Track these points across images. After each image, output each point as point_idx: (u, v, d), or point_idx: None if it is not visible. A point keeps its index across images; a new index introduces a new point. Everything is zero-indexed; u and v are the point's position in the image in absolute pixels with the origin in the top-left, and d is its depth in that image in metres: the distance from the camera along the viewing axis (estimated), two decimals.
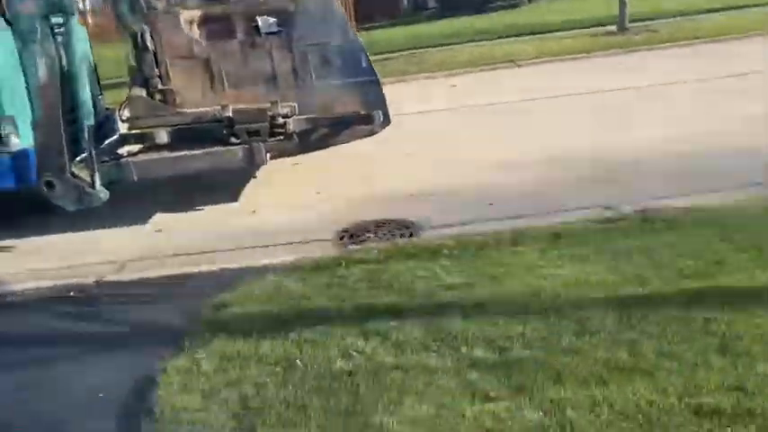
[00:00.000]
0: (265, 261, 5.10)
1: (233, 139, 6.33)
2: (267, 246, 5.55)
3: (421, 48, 16.17)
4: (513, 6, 23.97)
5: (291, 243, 5.54)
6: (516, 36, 16.23)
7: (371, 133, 6.72)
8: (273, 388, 3.36)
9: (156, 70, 6.68)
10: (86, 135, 5.84)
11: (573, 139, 7.62)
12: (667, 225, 4.80)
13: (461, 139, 8.29)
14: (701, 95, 9.02)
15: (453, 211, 5.84)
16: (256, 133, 6.32)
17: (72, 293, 5.03)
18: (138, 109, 6.68)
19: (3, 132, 5.88)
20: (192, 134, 6.52)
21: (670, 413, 2.81)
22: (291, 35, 6.76)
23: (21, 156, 5.96)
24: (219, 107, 6.43)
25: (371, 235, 5.61)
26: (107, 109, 7.40)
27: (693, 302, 3.64)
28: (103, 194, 5.95)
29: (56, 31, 5.86)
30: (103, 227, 6.31)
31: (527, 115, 9.14)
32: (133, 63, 6.72)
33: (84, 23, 6.70)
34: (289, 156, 6.96)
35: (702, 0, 16.90)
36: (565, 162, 6.79)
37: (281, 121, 6.37)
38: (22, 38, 5.70)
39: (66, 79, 5.83)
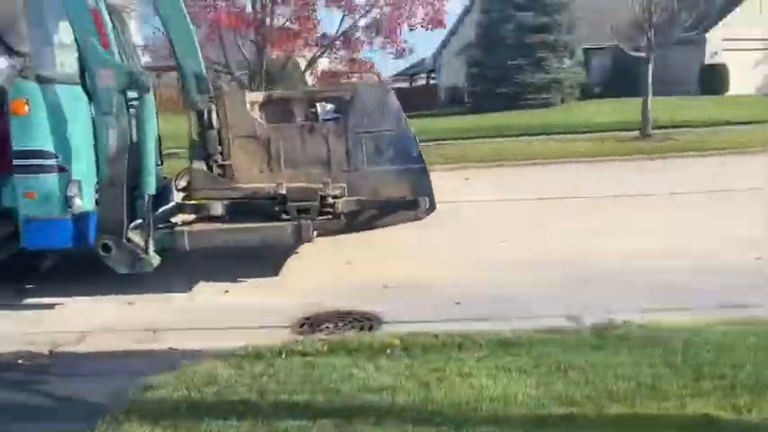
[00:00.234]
0: (213, 344, 5.04)
1: (284, 216, 6.49)
2: (224, 328, 5.53)
3: (444, 140, 16.44)
4: (546, 105, 24.34)
5: (248, 328, 5.49)
6: (544, 135, 16.43)
7: (416, 218, 6.94)
8: None
9: (218, 147, 6.92)
10: (146, 203, 5.94)
11: (564, 241, 7.54)
12: (618, 340, 4.62)
13: (458, 233, 8.25)
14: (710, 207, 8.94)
15: (418, 307, 5.76)
16: (306, 211, 6.47)
17: (20, 361, 5.05)
18: (198, 181, 6.88)
19: (69, 194, 6.05)
20: (245, 208, 6.69)
21: None
22: (347, 122, 7.02)
23: (82, 218, 6.10)
24: (275, 184, 6.64)
25: (331, 326, 5.54)
26: (164, 178, 7.59)
27: (612, 428, 3.47)
28: (155, 261, 6.02)
29: (130, 104, 6.08)
30: (82, 294, 6.38)
31: (531, 214, 9.09)
32: (196, 138, 6.92)
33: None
34: (333, 235, 7.08)
35: (727, 113, 16.93)
36: (549, 265, 6.70)
37: (330, 201, 6.57)
38: (99, 108, 5.92)
39: (134, 149, 5.99)
